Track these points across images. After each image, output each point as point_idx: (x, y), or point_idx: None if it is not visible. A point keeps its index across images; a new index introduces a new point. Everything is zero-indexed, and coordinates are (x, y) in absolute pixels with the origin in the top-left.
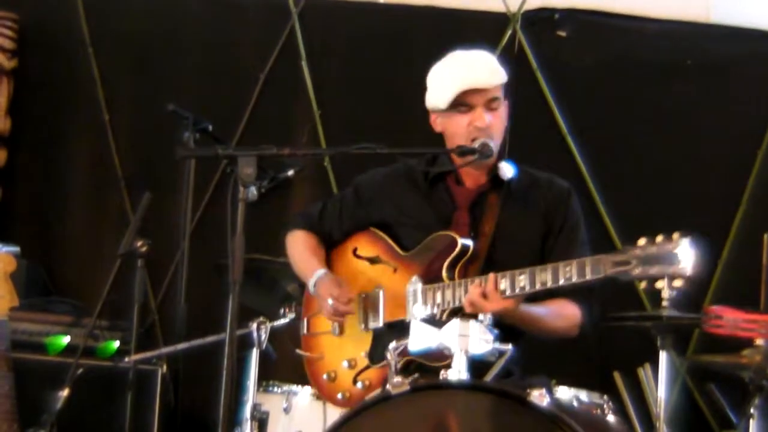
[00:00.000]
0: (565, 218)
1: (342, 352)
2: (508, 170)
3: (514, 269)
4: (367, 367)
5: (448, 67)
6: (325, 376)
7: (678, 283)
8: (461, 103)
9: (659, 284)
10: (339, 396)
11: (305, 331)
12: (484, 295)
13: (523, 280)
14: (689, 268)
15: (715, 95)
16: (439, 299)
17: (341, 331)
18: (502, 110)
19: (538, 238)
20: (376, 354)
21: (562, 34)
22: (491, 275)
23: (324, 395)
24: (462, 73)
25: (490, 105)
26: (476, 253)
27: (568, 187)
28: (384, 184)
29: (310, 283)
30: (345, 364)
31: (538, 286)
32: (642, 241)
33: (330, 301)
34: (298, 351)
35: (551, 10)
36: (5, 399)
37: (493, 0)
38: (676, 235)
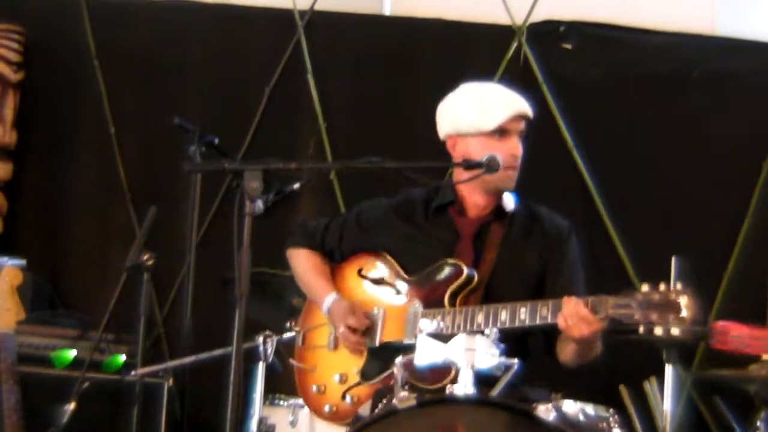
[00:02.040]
0: (563, 256)
1: (334, 365)
2: (510, 201)
3: (511, 300)
4: (357, 384)
5: (488, 92)
6: (314, 388)
7: (675, 331)
8: (502, 128)
9: (657, 331)
10: (326, 408)
11: (300, 343)
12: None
13: (523, 314)
14: (689, 319)
15: (720, 107)
16: (438, 326)
17: (336, 346)
18: (523, 144)
19: (535, 272)
20: (368, 371)
21: (568, 46)
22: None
23: (311, 406)
24: (509, 98)
25: (521, 135)
26: (479, 283)
27: (569, 226)
28: (386, 214)
29: (324, 307)
30: (336, 378)
31: (538, 321)
32: (645, 287)
33: (341, 330)
34: (291, 361)
35: (556, 23)
36: (12, 412)
37: (499, 13)
38: (679, 285)
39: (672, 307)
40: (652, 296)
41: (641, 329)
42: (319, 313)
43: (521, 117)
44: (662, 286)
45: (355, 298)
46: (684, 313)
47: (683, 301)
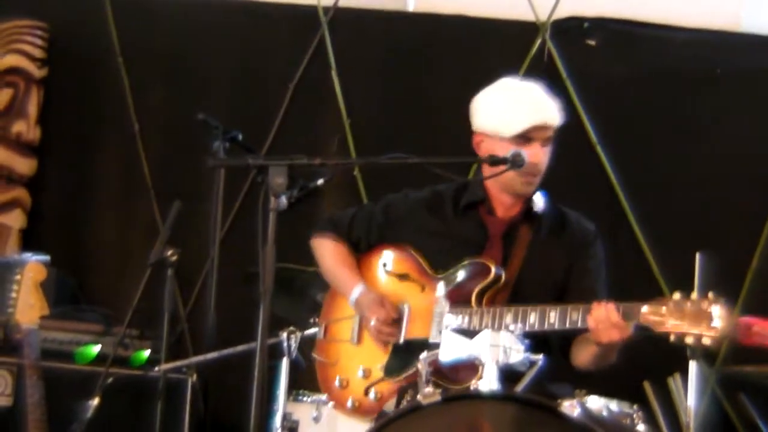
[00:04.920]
0: (588, 260)
1: (358, 360)
2: (540, 202)
3: (538, 302)
4: (381, 380)
5: (515, 96)
6: (336, 382)
7: (707, 341)
8: (524, 135)
9: (688, 340)
10: (349, 403)
11: (322, 336)
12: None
13: (552, 317)
14: (720, 329)
15: (744, 104)
16: (465, 324)
17: (359, 340)
18: (551, 148)
19: (561, 275)
20: (392, 368)
21: (592, 43)
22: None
23: (333, 400)
24: (535, 106)
25: (545, 142)
26: (507, 283)
27: (595, 230)
28: (414, 208)
29: (351, 298)
30: (360, 373)
31: (567, 325)
32: (677, 296)
33: (373, 323)
34: (313, 354)
35: (580, 19)
36: (36, 408)
37: (522, 9)
38: (711, 295)
39: (704, 316)
40: (683, 305)
41: (672, 338)
42: (341, 306)
43: (545, 126)
44: (694, 295)
45: (378, 291)
46: (716, 323)
47: (716, 310)
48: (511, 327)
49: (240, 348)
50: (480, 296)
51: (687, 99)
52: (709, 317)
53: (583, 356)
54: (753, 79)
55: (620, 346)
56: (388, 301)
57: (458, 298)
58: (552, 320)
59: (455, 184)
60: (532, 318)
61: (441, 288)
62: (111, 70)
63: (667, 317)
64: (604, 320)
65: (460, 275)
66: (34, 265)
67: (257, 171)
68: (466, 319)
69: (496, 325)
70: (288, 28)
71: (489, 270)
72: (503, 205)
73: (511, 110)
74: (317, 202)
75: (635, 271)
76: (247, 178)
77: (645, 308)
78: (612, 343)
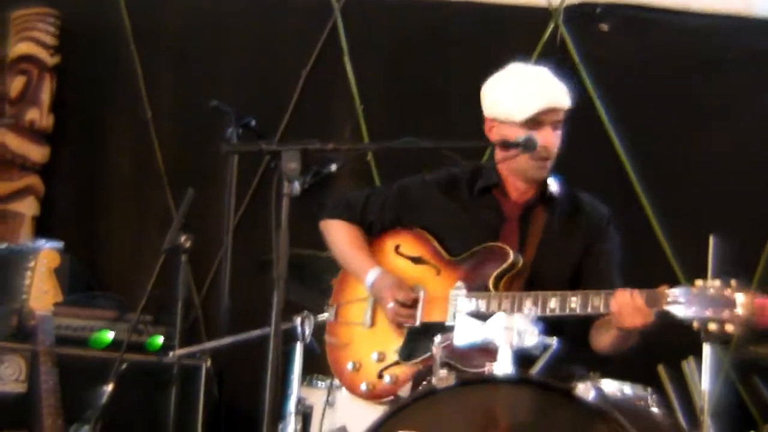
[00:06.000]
0: (604, 243)
1: (371, 343)
2: (554, 186)
3: (554, 285)
4: (396, 363)
5: (524, 81)
6: (349, 365)
7: (730, 327)
8: (534, 119)
9: (711, 326)
10: (363, 386)
11: (333, 318)
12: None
13: (573, 302)
14: (743, 315)
15: (756, 88)
16: (483, 308)
17: (373, 324)
18: (562, 132)
19: (576, 257)
20: (407, 351)
21: (604, 28)
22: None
23: (345, 384)
24: (544, 90)
25: (556, 125)
26: (524, 267)
27: (609, 213)
28: (429, 191)
29: (367, 281)
30: (374, 356)
31: (589, 310)
32: (699, 282)
33: (390, 305)
34: (326, 337)
35: (593, 5)
36: (50, 394)
37: None
38: (734, 282)
39: (727, 303)
40: (707, 292)
41: (695, 324)
42: (353, 288)
43: (555, 109)
44: (717, 282)
45: (393, 275)
46: (739, 310)
47: (739, 297)
48: (526, 310)
49: (254, 333)
50: (497, 281)
51: (699, 83)
52: (732, 304)
53: (603, 340)
54: (765, 63)
55: (640, 330)
56: (407, 285)
57: (474, 282)
58: (573, 305)
59: (470, 167)
60: (553, 303)
61: (456, 271)
62: (123, 57)
63: (690, 304)
64: (627, 305)
65: (477, 259)
66: (47, 252)
67: (270, 157)
68: (484, 304)
69: (515, 310)
70: (301, 15)
71: (507, 254)
72: (517, 190)
73: (521, 95)
74: (330, 188)
75: (649, 254)
76: (261, 165)
77: (669, 296)
78: (634, 328)
